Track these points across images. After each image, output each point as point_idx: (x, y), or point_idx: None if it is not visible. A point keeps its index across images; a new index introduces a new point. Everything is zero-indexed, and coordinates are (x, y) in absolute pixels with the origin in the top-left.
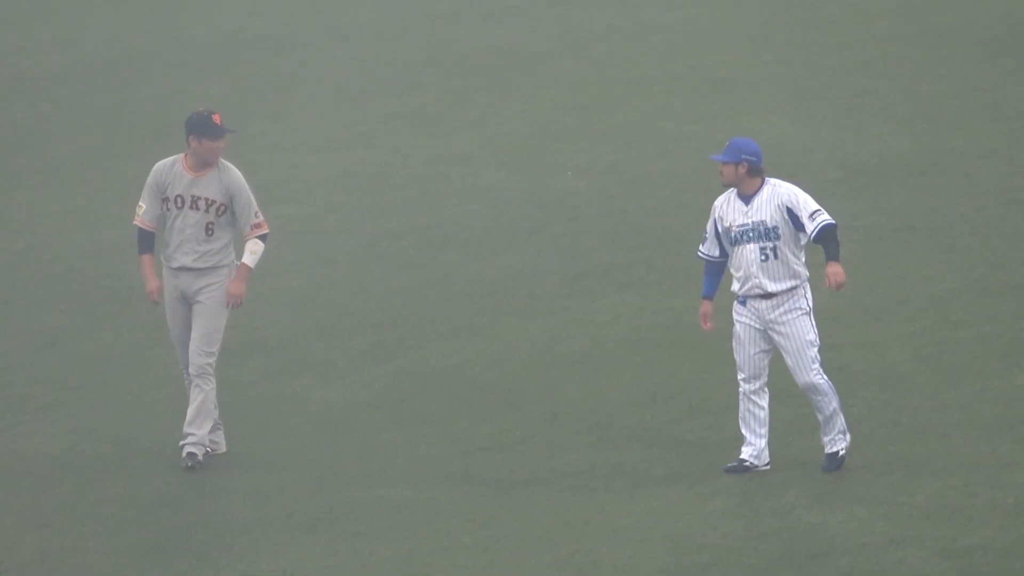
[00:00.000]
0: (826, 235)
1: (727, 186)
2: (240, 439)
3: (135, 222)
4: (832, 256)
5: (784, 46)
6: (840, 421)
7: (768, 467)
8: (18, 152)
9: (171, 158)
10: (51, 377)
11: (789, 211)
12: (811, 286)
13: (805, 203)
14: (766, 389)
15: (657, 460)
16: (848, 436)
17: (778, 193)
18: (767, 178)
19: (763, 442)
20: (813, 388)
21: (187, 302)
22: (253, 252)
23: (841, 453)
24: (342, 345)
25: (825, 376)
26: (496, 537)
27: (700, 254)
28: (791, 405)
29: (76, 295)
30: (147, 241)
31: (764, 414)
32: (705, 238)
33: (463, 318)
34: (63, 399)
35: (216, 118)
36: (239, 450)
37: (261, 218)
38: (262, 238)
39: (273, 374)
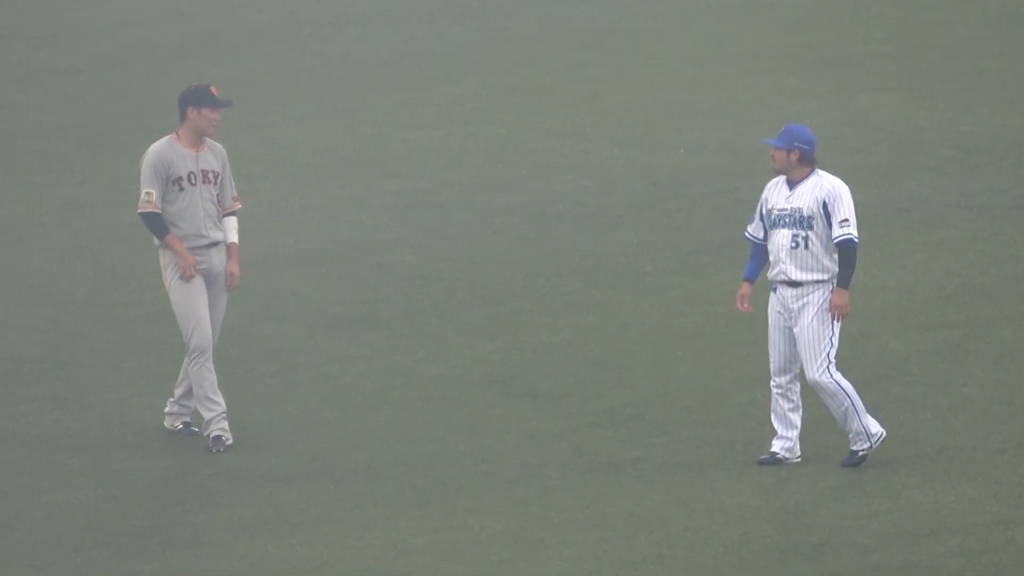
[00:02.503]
0: (844, 252)
1: (778, 171)
2: (351, 414)
3: (149, 209)
4: (842, 282)
5: (897, 24)
6: (856, 423)
7: (799, 459)
8: (132, 124)
9: (164, 140)
10: (163, 351)
11: (825, 206)
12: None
13: (840, 206)
14: (797, 381)
15: (768, 438)
16: (872, 440)
17: (822, 185)
18: (817, 169)
19: (795, 434)
20: (818, 387)
21: (204, 278)
22: (236, 230)
23: (860, 453)
24: (454, 320)
25: (835, 377)
26: (606, 514)
27: (747, 235)
28: (900, 383)
29: None
30: (165, 224)
31: (793, 407)
32: (753, 219)
33: (575, 293)
34: (175, 372)
35: (214, 90)
36: (350, 425)
37: (236, 191)
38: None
39: (385, 349)
